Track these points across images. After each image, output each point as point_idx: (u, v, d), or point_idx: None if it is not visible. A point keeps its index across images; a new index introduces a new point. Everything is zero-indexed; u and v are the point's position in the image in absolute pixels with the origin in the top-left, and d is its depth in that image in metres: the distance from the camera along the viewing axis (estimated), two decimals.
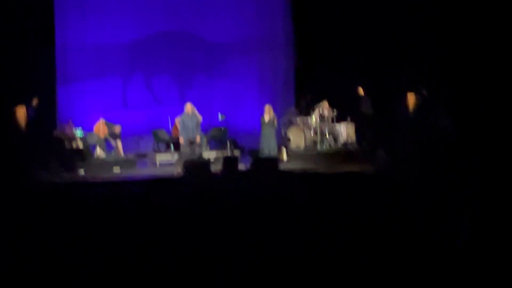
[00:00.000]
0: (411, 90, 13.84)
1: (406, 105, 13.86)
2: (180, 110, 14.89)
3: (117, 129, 15.01)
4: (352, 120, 15.05)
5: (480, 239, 6.87)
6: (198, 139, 14.56)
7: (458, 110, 13.40)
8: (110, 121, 15.09)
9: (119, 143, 14.99)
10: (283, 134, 15.24)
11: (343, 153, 14.37)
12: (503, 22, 13.77)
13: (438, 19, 14.57)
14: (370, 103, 14.85)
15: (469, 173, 10.30)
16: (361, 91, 14.91)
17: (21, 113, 13.48)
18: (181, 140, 14.47)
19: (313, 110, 15.18)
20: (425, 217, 8.17)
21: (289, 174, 12.18)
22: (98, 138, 14.79)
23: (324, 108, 15.14)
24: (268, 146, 14.46)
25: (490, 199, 8.41)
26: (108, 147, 14.90)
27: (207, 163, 12.42)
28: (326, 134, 14.99)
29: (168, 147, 15.38)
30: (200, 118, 14.59)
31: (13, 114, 13.38)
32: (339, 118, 15.16)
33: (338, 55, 15.88)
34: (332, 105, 15.18)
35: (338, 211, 8.66)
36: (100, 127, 14.87)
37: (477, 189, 9.18)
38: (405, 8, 15.02)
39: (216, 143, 15.73)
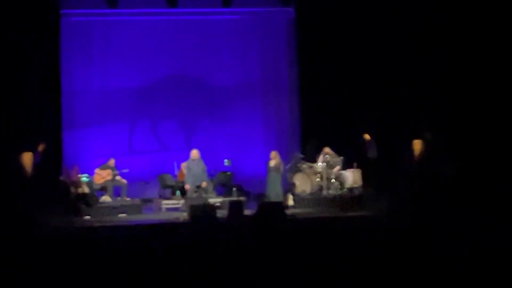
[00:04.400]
0: (416, 137, 13.89)
1: (411, 151, 13.90)
2: (186, 156, 14.96)
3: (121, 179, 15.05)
4: (358, 166, 15.01)
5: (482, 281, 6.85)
6: (204, 184, 14.63)
7: (462, 157, 13.43)
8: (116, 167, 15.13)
9: (125, 188, 14.97)
10: (289, 179, 15.20)
11: (348, 198, 14.32)
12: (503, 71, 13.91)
13: (443, 67, 14.68)
14: (376, 148, 14.83)
15: (471, 218, 10.27)
16: (367, 136, 14.90)
17: (27, 158, 13.50)
18: (187, 187, 14.53)
19: (319, 155, 15.17)
20: (429, 260, 8.14)
21: (295, 219, 12.13)
22: (105, 181, 14.80)
23: (330, 153, 15.13)
24: (274, 191, 14.45)
25: (492, 244, 8.38)
26: (115, 192, 14.88)
27: (213, 208, 12.38)
28: (332, 180, 14.95)
29: (173, 192, 15.35)
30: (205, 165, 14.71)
31: (19, 160, 13.41)
32: (346, 164, 15.13)
33: (344, 100, 15.91)
34: (337, 151, 15.17)
35: (343, 255, 8.61)
36: (106, 171, 14.90)
37: (479, 233, 9.15)
38: (412, 55, 15.13)
39: (222, 188, 15.71)
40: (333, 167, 15.02)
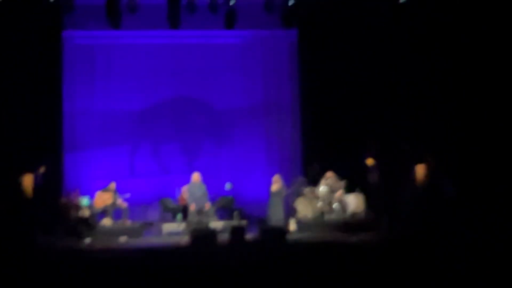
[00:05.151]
0: (419, 161, 13.87)
1: (414, 176, 13.88)
2: (187, 179, 14.91)
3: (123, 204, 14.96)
4: (360, 190, 14.92)
5: None
6: (205, 208, 14.57)
7: (464, 180, 13.43)
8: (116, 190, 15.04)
9: (126, 212, 14.88)
10: (291, 204, 15.10)
11: (350, 223, 14.21)
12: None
13: (445, 95, 14.70)
14: (379, 173, 14.75)
15: (474, 240, 10.25)
16: (370, 161, 14.82)
17: (28, 180, 13.49)
18: (192, 207, 14.47)
19: (322, 179, 15.09)
20: (431, 284, 8.09)
21: (296, 244, 12.05)
22: (106, 205, 14.71)
23: (332, 178, 15.05)
24: (275, 216, 14.41)
25: (495, 265, 8.35)
26: (115, 215, 14.79)
27: (214, 233, 12.30)
28: (334, 204, 14.85)
29: (174, 216, 15.28)
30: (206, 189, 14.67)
31: (20, 181, 13.39)
32: (348, 188, 15.04)
33: (347, 124, 15.87)
34: (340, 175, 15.09)
35: (345, 280, 8.54)
36: (107, 194, 14.81)
37: (482, 255, 9.12)
38: (415, 79, 15.13)
39: (224, 212, 15.61)
40: (336, 191, 14.93)
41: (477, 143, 14.11)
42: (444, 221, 11.95)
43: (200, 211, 14.58)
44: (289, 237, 12.68)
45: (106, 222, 14.59)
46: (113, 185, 15.00)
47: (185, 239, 12.83)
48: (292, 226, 14.30)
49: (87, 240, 13.40)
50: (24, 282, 8.98)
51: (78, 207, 14.22)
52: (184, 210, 14.79)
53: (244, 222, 14.57)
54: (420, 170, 13.84)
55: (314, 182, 15.28)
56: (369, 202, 14.71)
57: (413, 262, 9.17)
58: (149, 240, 13.90)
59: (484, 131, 14.17)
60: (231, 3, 15.17)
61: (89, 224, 13.97)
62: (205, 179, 14.93)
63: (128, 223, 14.73)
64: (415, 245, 10.30)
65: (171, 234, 14.39)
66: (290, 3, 15.45)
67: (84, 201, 14.59)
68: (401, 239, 11.53)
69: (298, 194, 15.22)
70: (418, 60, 15.10)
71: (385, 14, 15.25)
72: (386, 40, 15.52)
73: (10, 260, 10.10)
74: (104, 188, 14.94)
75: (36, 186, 13.44)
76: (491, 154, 13.87)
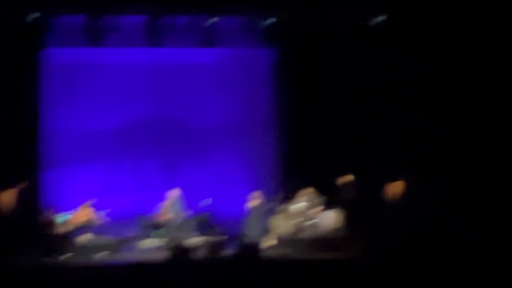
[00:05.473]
0: (397, 178, 13.96)
1: (392, 192, 13.97)
2: (166, 196, 14.94)
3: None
4: (338, 206, 14.97)
5: None
6: (184, 224, 14.60)
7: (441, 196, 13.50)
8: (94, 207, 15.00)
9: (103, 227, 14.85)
10: (267, 221, 15.12)
11: (327, 240, 14.23)
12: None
13: (427, 113, 14.79)
14: (356, 190, 14.83)
15: (457, 259, 10.30)
16: (348, 178, 14.89)
17: (5, 197, 13.44)
18: (170, 223, 14.50)
19: (299, 196, 15.14)
20: None
21: (271, 261, 12.04)
22: (84, 221, 14.68)
23: (310, 194, 15.11)
24: (253, 232, 14.46)
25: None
26: (93, 231, 14.74)
27: (191, 248, 12.30)
28: (312, 220, 14.88)
29: (152, 232, 15.26)
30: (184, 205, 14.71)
31: None
32: (326, 205, 15.09)
33: (325, 140, 15.97)
34: (318, 192, 15.15)
35: None
36: (84, 210, 14.78)
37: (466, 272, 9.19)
38: (396, 94, 15.25)
39: (202, 228, 15.60)
40: (314, 208, 14.97)
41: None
42: (425, 236, 11.97)
43: (178, 227, 14.60)
44: (264, 253, 12.68)
45: (84, 238, 14.56)
46: (90, 202, 14.96)
47: (163, 255, 12.83)
48: (271, 241, 14.33)
49: (64, 257, 13.37)
50: None
51: (53, 224, 14.17)
52: (162, 226, 14.79)
53: (222, 238, 14.60)
54: (395, 187, 13.93)
55: (292, 198, 15.34)
56: (348, 218, 14.75)
57: (393, 279, 9.20)
58: (127, 255, 13.88)
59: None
60: (210, 22, 15.30)
61: (64, 241, 13.92)
62: (184, 195, 15.00)
63: (105, 239, 14.70)
64: (394, 263, 10.30)
65: (148, 250, 14.39)
66: (269, 21, 15.61)
67: (60, 218, 14.53)
68: (379, 257, 11.52)
69: (277, 210, 15.28)
70: (403, 75, 15.18)
71: (360, 36, 15.46)
72: (365, 62, 15.65)
73: None
74: (82, 204, 14.91)
75: (12, 203, 13.37)
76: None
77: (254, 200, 14.74)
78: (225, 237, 14.85)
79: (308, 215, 14.92)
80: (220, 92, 17.46)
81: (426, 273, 9.61)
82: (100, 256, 13.72)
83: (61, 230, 14.21)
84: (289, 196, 15.48)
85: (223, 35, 15.74)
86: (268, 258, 12.27)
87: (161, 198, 15.27)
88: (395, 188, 14.00)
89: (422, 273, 9.59)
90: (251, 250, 12.03)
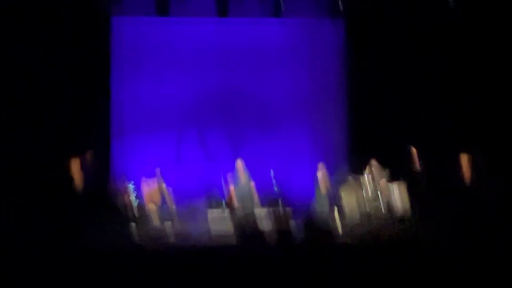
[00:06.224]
0: (464, 151, 13.76)
1: (459, 167, 13.77)
2: (232, 167, 15.08)
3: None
4: (403, 179, 14.85)
5: None
6: (250, 194, 14.67)
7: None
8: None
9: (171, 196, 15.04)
10: (335, 192, 15.11)
11: (395, 222, 14.09)
12: None
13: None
14: (422, 163, 14.69)
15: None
16: (413, 150, 14.76)
17: (75, 166, 13.65)
18: (233, 197, 14.62)
19: (365, 169, 15.09)
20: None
21: (343, 245, 11.95)
22: (152, 190, 14.88)
23: (375, 166, 15.04)
24: (320, 204, 14.45)
25: None
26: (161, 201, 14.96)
27: (258, 219, 12.42)
28: (378, 193, 14.82)
29: (220, 202, 15.38)
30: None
31: (67, 167, 13.55)
32: (392, 177, 15.00)
33: (394, 112, 15.84)
34: (383, 164, 15.06)
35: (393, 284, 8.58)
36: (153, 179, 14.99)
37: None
38: (471, 66, 15.02)
39: (268, 199, 15.67)
40: (379, 180, 14.91)
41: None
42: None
43: (244, 198, 14.70)
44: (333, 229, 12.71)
45: (152, 207, 14.77)
46: (158, 171, 15.15)
47: (229, 226, 13.03)
48: (336, 214, 14.34)
49: (133, 225, 13.63)
50: (72, 272, 9.19)
51: (125, 194, 14.42)
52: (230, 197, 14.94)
53: (288, 209, 14.66)
54: (464, 161, 13.71)
55: (359, 170, 15.30)
56: (413, 191, 14.65)
57: (461, 265, 9.12)
58: (194, 225, 14.04)
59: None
60: None
61: (135, 210, 14.17)
62: (250, 167, 15.04)
63: (173, 208, 14.90)
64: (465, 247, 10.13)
65: (216, 220, 14.53)
66: None
67: (130, 187, 14.76)
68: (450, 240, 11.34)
69: (342, 182, 15.26)
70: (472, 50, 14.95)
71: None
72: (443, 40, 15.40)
73: (58, 249, 10.27)
74: (149, 174, 15.11)
75: (83, 172, 13.60)
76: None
77: (321, 173, 14.72)
78: (291, 208, 14.94)
79: (373, 187, 14.87)
80: (288, 64, 17.40)
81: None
82: (168, 224, 13.91)
83: (131, 199, 14.45)
84: (355, 169, 15.44)
85: (292, 4, 15.62)
86: (337, 243, 12.18)
87: (227, 169, 15.35)
88: (463, 162, 13.78)
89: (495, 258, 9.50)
90: (319, 235, 12.01)
